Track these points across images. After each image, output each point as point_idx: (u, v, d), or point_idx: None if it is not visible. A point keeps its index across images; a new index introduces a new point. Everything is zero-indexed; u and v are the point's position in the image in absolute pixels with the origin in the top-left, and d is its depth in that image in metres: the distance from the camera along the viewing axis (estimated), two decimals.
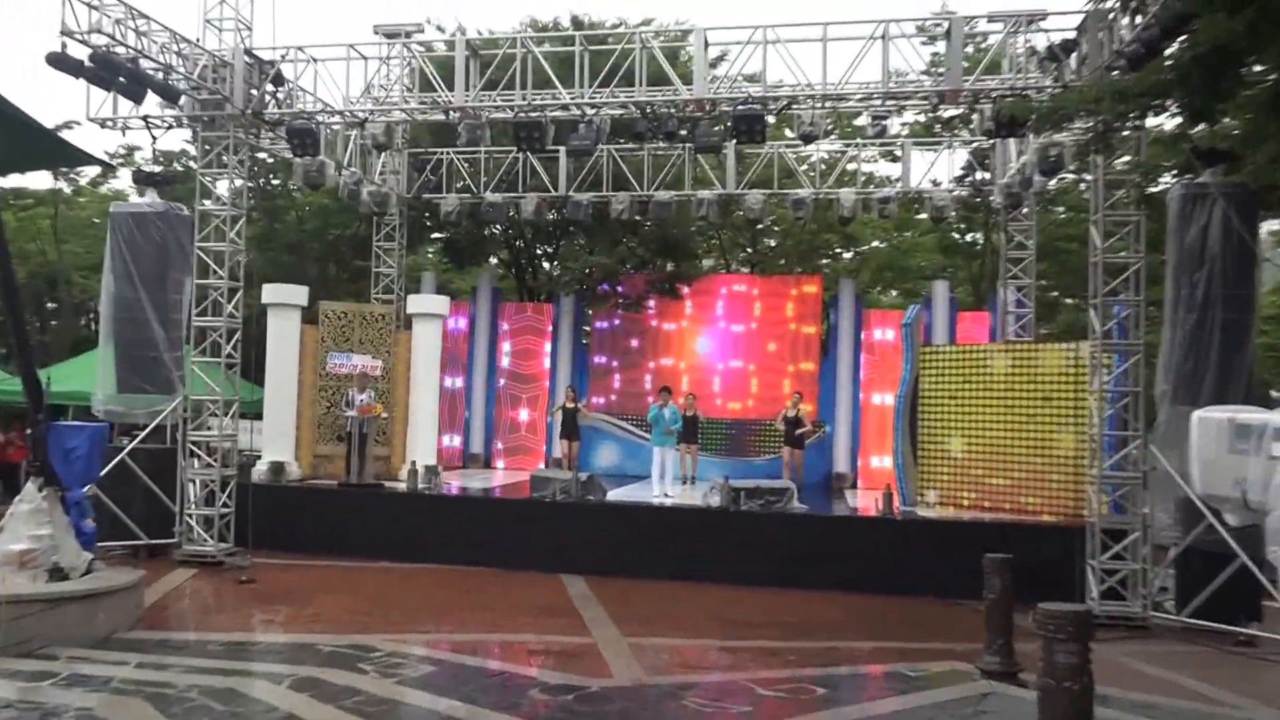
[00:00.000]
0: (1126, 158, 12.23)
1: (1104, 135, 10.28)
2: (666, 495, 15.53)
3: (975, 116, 15.23)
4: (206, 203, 14.32)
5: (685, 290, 21.07)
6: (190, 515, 13.72)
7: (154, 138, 14.68)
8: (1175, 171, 15.29)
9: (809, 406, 18.99)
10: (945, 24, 13.20)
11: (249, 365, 14.96)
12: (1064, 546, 11.82)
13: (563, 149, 17.30)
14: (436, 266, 26.42)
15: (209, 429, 14.09)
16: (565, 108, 14.03)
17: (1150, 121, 11.68)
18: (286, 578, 12.75)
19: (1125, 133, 10.91)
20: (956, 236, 25.69)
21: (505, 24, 38.24)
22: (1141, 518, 11.42)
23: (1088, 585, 11.49)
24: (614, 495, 15.35)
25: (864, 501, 16.25)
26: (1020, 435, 14.58)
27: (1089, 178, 12.81)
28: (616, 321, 21.65)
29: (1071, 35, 12.18)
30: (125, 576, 10.02)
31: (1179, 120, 10.76)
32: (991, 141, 16.41)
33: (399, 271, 19.24)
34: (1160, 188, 14.54)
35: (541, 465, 19.83)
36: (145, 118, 14.31)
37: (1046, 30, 12.68)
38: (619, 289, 21.06)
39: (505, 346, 21.45)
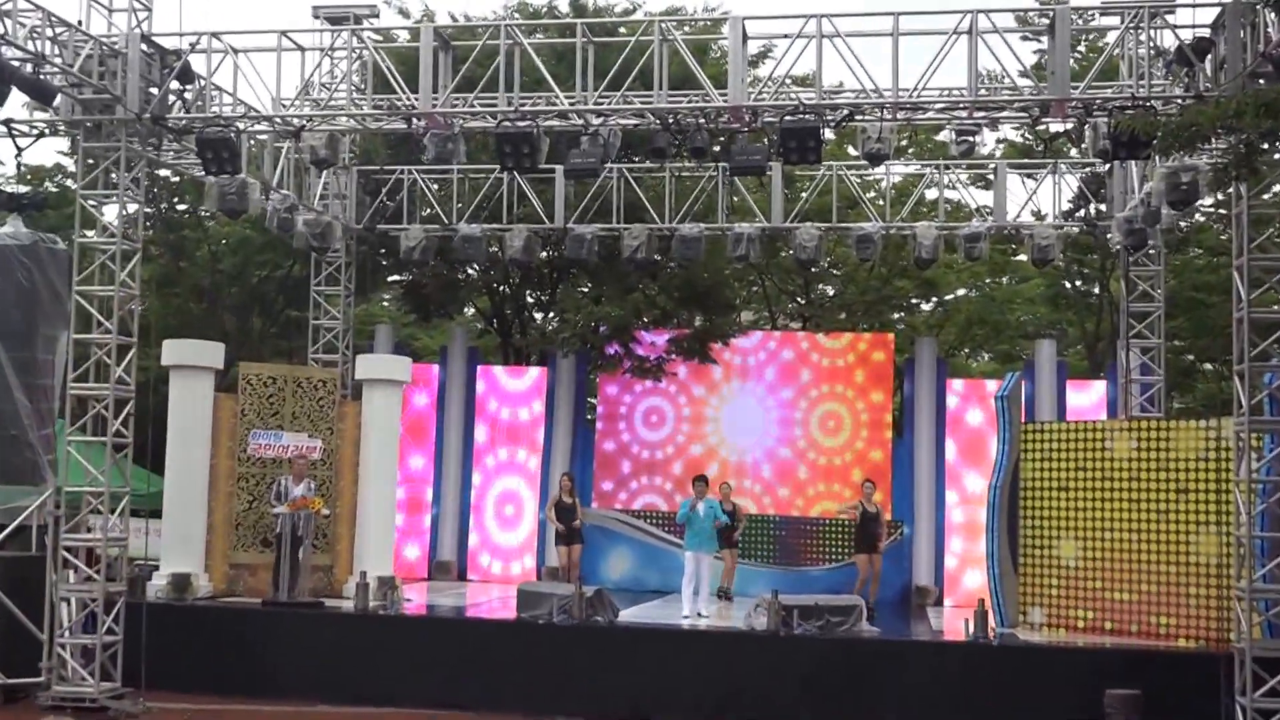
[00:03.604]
0: (1277, 187, 12.74)
1: (1248, 158, 10.79)
2: (699, 615, 15.82)
3: (1088, 133, 15.65)
4: (89, 234, 14.40)
5: (719, 351, 21.30)
6: (63, 645, 13.59)
7: (19, 149, 14.54)
8: None
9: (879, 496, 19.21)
10: (1049, 16, 13.58)
11: (145, 447, 15.00)
12: (1206, 679, 12.11)
13: (560, 169, 17.81)
14: (395, 318, 26.90)
15: (89, 531, 14.11)
16: (563, 116, 14.48)
17: None
18: None
19: (1277, 155, 11.48)
20: (1065, 284, 26.14)
21: (486, 7, 39.03)
22: None
23: None
24: (627, 615, 15.62)
25: (951, 622, 16.61)
26: (1149, 537, 14.91)
27: (1230, 212, 13.32)
28: (630, 391, 22.02)
29: (1206, 33, 12.70)
30: None
31: None
32: (1108, 165, 16.87)
33: (345, 324, 19.53)
34: None
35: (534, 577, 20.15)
36: (7, 122, 14.28)
37: (1175, 27, 13.15)
38: (633, 349, 21.27)
39: (485, 422, 21.85)
